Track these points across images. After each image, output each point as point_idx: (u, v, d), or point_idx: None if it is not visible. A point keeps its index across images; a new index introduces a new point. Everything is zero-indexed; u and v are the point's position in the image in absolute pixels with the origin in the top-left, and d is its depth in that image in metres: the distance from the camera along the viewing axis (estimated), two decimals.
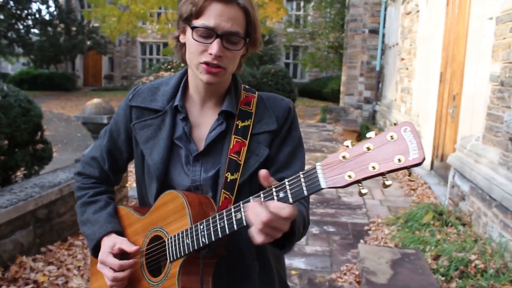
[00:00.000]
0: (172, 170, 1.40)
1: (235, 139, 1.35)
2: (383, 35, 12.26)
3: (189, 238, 1.25)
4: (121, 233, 1.46)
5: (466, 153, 4.87)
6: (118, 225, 1.47)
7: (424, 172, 7.05)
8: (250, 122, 1.37)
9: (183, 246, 1.26)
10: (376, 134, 0.96)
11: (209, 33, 1.24)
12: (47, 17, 24.92)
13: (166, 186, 1.40)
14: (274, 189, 1.08)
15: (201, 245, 1.22)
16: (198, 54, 1.27)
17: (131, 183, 5.86)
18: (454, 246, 3.72)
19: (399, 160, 0.91)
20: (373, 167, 0.93)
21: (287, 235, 1.17)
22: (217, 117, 1.38)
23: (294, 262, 4.04)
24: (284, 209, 1.04)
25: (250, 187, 1.35)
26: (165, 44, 25.61)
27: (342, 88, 14.34)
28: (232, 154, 1.33)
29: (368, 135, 0.98)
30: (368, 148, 0.95)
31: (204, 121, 1.41)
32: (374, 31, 12.64)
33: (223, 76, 1.31)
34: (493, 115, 4.25)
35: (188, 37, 1.29)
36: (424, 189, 6.33)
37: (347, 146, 1.00)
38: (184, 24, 1.31)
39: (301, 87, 23.89)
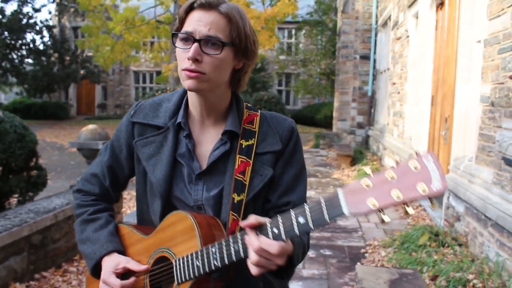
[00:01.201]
0: (175, 188, 1.38)
1: (240, 159, 1.34)
2: (374, 61, 12.45)
3: (200, 261, 1.22)
4: (122, 252, 1.43)
5: (459, 174, 4.91)
6: (119, 244, 1.44)
7: None
8: (254, 141, 1.36)
9: (193, 268, 1.23)
10: (396, 163, 0.97)
11: (188, 38, 1.26)
12: (41, 47, 25.11)
13: (169, 204, 1.38)
14: (293, 213, 1.07)
15: (213, 268, 1.20)
16: (181, 61, 1.28)
17: (125, 209, 5.83)
18: (451, 266, 3.71)
19: (423, 190, 0.92)
20: (397, 196, 0.94)
21: (284, 267, 1.17)
22: (221, 136, 1.37)
23: (291, 286, 3.99)
24: (273, 246, 1.06)
25: (253, 207, 1.34)
26: (158, 72, 25.79)
27: (334, 114, 14.47)
28: (237, 174, 1.32)
29: (389, 163, 0.99)
30: (392, 177, 0.96)
31: (205, 139, 1.40)
32: (365, 57, 12.83)
33: (204, 82, 1.28)
34: (485, 135, 4.31)
35: (175, 47, 1.32)
36: (419, 211, 6.34)
37: (369, 174, 1.00)
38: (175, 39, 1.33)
39: (294, 113, 24.06)
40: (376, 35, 12.35)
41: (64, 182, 8.73)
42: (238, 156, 1.34)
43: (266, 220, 1.11)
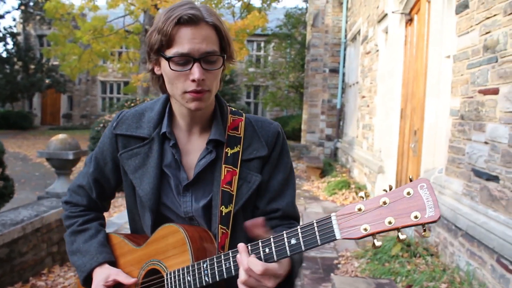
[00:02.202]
0: (164, 199, 1.36)
1: (226, 169, 1.31)
2: (343, 74, 12.64)
3: (191, 276, 1.21)
4: (113, 263, 1.40)
5: None
6: (110, 254, 1.41)
7: None
8: (239, 148, 1.34)
9: (184, 283, 1.22)
10: (390, 187, 0.98)
11: (185, 60, 1.20)
12: (4, 55, 24.43)
13: (160, 216, 1.36)
14: (285, 235, 1.06)
15: (204, 284, 1.19)
16: (181, 83, 1.23)
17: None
18: (424, 276, 3.77)
19: (416, 217, 0.93)
20: (389, 222, 0.95)
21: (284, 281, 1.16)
22: (206, 145, 1.34)
23: None
24: (256, 266, 1.05)
25: (243, 216, 1.32)
26: (126, 83, 25.49)
27: (303, 126, 14.59)
28: (224, 186, 1.30)
29: (384, 188, 0.99)
30: (384, 202, 0.96)
31: (192, 148, 1.37)
32: (334, 70, 13.02)
33: (209, 99, 1.28)
34: (455, 147, 4.42)
35: (165, 68, 1.24)
36: None
37: (362, 198, 1.01)
38: (157, 56, 1.26)
39: None
40: (345, 49, 12.56)
41: (28, 194, 8.47)
42: (224, 166, 1.32)
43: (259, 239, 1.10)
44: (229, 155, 1.33)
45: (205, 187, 1.34)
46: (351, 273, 4.49)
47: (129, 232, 1.52)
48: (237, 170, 1.32)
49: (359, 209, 0.98)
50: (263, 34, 23.76)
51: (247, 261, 1.07)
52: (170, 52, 1.21)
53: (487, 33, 3.84)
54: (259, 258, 1.08)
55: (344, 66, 12.62)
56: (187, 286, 1.21)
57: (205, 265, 1.18)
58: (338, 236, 0.99)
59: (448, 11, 5.00)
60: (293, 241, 1.05)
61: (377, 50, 8.19)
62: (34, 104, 27.90)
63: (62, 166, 4.80)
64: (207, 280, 1.17)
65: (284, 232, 1.07)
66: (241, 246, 1.11)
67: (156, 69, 1.30)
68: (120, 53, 23.47)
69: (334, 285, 3.24)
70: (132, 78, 15.69)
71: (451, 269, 4.05)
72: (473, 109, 4.04)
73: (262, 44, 27.61)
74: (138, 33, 17.68)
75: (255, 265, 1.05)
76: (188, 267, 1.21)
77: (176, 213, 1.36)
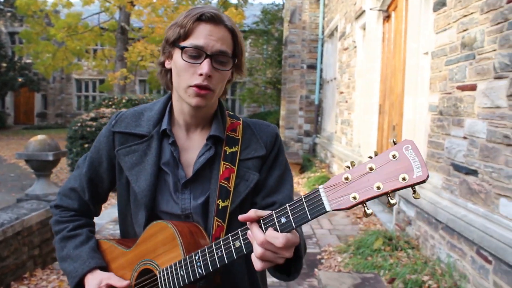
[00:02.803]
0: (159, 197, 1.35)
1: (224, 165, 1.33)
2: (321, 70, 12.73)
3: (183, 270, 1.20)
4: (105, 268, 1.39)
5: None
6: (101, 260, 1.40)
7: None
8: (237, 148, 1.36)
9: (177, 278, 1.22)
10: (375, 153, 0.95)
11: (198, 53, 1.24)
12: None
13: (154, 214, 1.35)
14: (274, 215, 1.04)
15: (198, 277, 1.18)
16: (188, 76, 1.25)
17: None
18: (407, 269, 3.84)
19: (404, 179, 0.90)
20: (378, 187, 0.92)
21: (292, 260, 1.14)
22: (205, 142, 1.36)
23: None
24: (277, 239, 1.01)
25: (241, 213, 1.33)
26: (102, 81, 25.14)
27: (281, 122, 14.64)
28: (222, 181, 1.32)
29: (369, 154, 0.96)
30: (371, 168, 0.93)
31: (191, 146, 1.38)
32: (312, 67, 13.09)
33: (211, 99, 1.29)
34: (434, 142, 4.51)
35: (176, 60, 1.27)
36: (370, 216, 6.51)
37: (348, 167, 0.98)
38: (171, 48, 1.29)
39: None
40: (322, 45, 12.64)
41: (4, 195, 8.30)
42: (222, 162, 1.34)
43: (266, 212, 1.07)
44: (227, 153, 1.35)
45: (203, 184, 1.35)
46: (334, 268, 4.55)
47: (111, 232, 1.51)
48: (235, 168, 1.34)
49: (346, 178, 0.96)
50: (240, 31, 23.68)
51: (264, 235, 1.03)
52: (185, 43, 1.24)
53: (464, 30, 3.92)
54: (274, 229, 1.04)
55: (321, 62, 12.71)
56: (180, 281, 1.21)
57: (197, 257, 1.17)
58: (328, 208, 0.97)
59: (425, 8, 5.08)
60: (283, 219, 1.03)
61: (355, 47, 8.27)
62: (6, 103, 27.27)
63: (42, 168, 4.72)
64: (200, 272, 1.16)
65: (273, 212, 1.05)
66: (248, 219, 1.06)
67: (167, 63, 1.33)
68: (95, 51, 23.11)
69: (320, 281, 3.28)
70: (109, 76, 15.50)
71: (432, 261, 4.14)
72: (451, 104, 4.12)
73: None
74: (114, 30, 17.44)
75: (276, 238, 1.01)
76: (180, 262, 1.21)
77: (171, 212, 1.35)
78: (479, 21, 3.68)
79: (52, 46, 18.10)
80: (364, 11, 7.56)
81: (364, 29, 7.71)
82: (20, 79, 24.23)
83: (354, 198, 0.94)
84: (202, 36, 1.24)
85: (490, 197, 3.44)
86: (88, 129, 8.81)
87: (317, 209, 0.98)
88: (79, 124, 9.00)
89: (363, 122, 7.66)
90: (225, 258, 1.13)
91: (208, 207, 1.33)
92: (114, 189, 1.49)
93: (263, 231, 1.05)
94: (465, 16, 3.90)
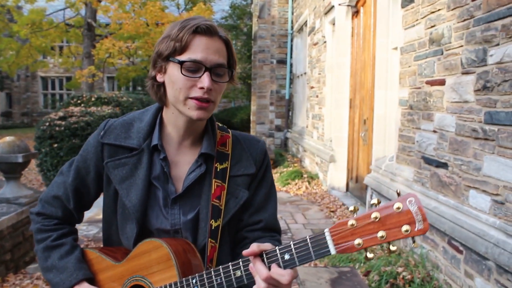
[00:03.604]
0: (149, 212, 1.35)
1: (216, 183, 1.34)
2: (291, 65, 12.80)
3: None
4: (92, 279, 1.37)
5: (381, 173, 5.21)
6: (88, 271, 1.38)
7: (340, 194, 7.39)
8: (227, 164, 1.37)
9: None
10: (378, 202, 1.03)
11: (197, 67, 1.23)
12: None
13: (144, 228, 1.35)
14: (278, 251, 1.09)
15: None
16: (186, 89, 1.24)
17: None
18: (382, 262, 3.93)
19: (406, 231, 0.99)
20: (382, 236, 1.01)
21: None
22: (196, 158, 1.36)
23: None
24: (284, 276, 1.06)
25: (228, 230, 1.36)
26: (69, 78, 24.62)
27: (252, 117, 14.66)
28: (214, 200, 1.33)
29: (372, 202, 1.04)
30: (376, 218, 1.02)
31: (181, 160, 1.38)
32: (282, 61, 13.14)
33: (212, 110, 1.29)
34: (405, 136, 4.61)
35: (173, 73, 1.25)
36: (343, 210, 6.62)
37: (352, 212, 1.06)
38: (164, 62, 1.27)
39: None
40: (292, 40, 12.71)
41: None
42: (214, 180, 1.34)
43: (269, 246, 1.11)
44: (218, 170, 1.36)
45: (193, 201, 1.36)
46: (310, 262, 4.60)
47: (84, 233, 1.49)
48: (225, 185, 1.35)
49: (352, 225, 1.03)
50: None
51: (268, 271, 1.08)
52: (183, 57, 1.23)
53: (432, 26, 4.02)
54: (278, 266, 1.09)
55: (291, 57, 12.78)
56: None
57: (194, 281, 1.20)
58: (332, 251, 1.05)
59: (394, 4, 5.18)
60: (286, 256, 1.08)
61: (325, 42, 8.35)
62: None
63: (11, 170, 4.59)
64: None
65: (277, 248, 1.10)
66: (252, 253, 1.10)
67: (158, 76, 1.31)
68: (61, 48, 22.60)
69: (298, 277, 3.32)
70: (76, 74, 15.20)
71: (406, 253, 4.24)
72: (421, 99, 4.22)
73: None
74: (80, 26, 17.11)
75: (282, 276, 1.07)
76: (176, 283, 1.22)
77: (160, 227, 1.35)
78: (446, 17, 3.77)
79: (16, 43, 17.62)
80: (333, 7, 7.63)
81: (334, 24, 7.78)
82: None
83: (359, 244, 1.02)
84: (200, 49, 1.23)
85: (460, 189, 3.55)
86: (57, 128, 8.63)
87: (322, 251, 1.05)
88: (47, 124, 8.80)
89: (334, 116, 7.75)
90: (225, 286, 1.16)
91: (198, 223, 1.34)
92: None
93: (266, 266, 1.09)
94: (433, 12, 4.00)
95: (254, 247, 1.10)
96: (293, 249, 1.07)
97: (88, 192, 1.43)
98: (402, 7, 4.70)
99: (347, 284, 3.09)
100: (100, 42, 14.91)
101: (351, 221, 1.04)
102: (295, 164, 10.34)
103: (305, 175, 8.99)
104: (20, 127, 24.89)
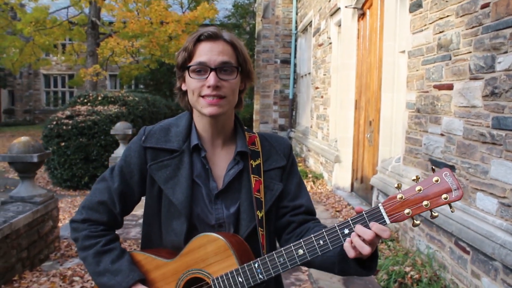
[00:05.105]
0: (195, 208, 1.45)
1: (254, 178, 1.47)
2: (295, 65, 12.88)
3: (242, 277, 1.33)
4: (144, 280, 1.44)
5: (388, 174, 5.30)
6: (140, 272, 1.45)
7: (345, 194, 7.49)
8: (260, 160, 1.50)
9: (236, 284, 1.34)
10: (417, 178, 1.21)
11: (203, 68, 1.38)
12: None
13: (190, 224, 1.44)
14: (337, 227, 1.26)
15: (258, 282, 1.32)
16: (197, 90, 1.39)
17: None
18: (390, 261, 4.03)
19: (445, 198, 1.18)
20: (426, 204, 1.19)
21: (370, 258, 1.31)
22: (234, 156, 1.49)
23: None
24: (386, 232, 1.22)
25: (268, 220, 1.48)
26: (71, 76, 24.69)
27: (256, 117, 14.74)
28: (255, 193, 1.45)
29: (412, 178, 1.23)
30: (419, 190, 1.21)
31: (218, 160, 1.50)
32: (285, 61, 13.23)
33: (225, 106, 1.41)
34: (412, 138, 4.71)
35: (188, 79, 1.41)
36: (348, 210, 6.72)
37: (397, 187, 1.26)
38: (182, 72, 1.44)
39: None
40: (296, 40, 12.79)
41: None
42: (252, 176, 1.47)
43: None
44: (254, 166, 1.49)
45: (234, 195, 1.48)
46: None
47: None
48: (262, 180, 1.48)
49: (401, 198, 1.21)
50: (211, 25, 23.54)
51: (372, 231, 1.21)
52: (190, 63, 1.40)
53: (440, 32, 4.11)
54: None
55: (295, 57, 12.86)
56: (239, 286, 1.34)
57: (256, 265, 1.32)
58: (387, 221, 1.22)
59: (401, 8, 5.27)
60: (346, 231, 1.25)
61: (330, 43, 8.43)
62: None
63: (26, 170, 4.69)
64: (261, 277, 1.32)
65: (336, 224, 1.26)
66: (359, 210, 1.27)
67: (183, 86, 1.47)
68: (64, 46, 22.66)
69: (311, 275, 3.42)
70: (81, 72, 15.26)
71: (412, 252, 4.35)
72: (429, 103, 4.32)
73: None
74: (83, 24, 17.16)
75: (384, 231, 1.21)
76: (237, 270, 1.33)
77: (205, 221, 1.46)
78: (454, 24, 3.86)
79: (20, 41, 17.67)
80: (339, 8, 7.71)
81: (339, 26, 7.87)
82: None
83: (408, 213, 1.21)
84: (204, 53, 1.38)
85: (468, 192, 3.64)
86: (64, 127, 8.74)
87: (379, 222, 1.23)
88: (54, 123, 8.90)
89: (339, 117, 7.84)
90: (289, 265, 1.30)
91: (240, 216, 1.46)
92: None
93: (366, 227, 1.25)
94: (441, 18, 4.09)
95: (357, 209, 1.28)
96: (351, 224, 1.24)
97: (133, 195, 1.52)
98: (410, 11, 4.78)
99: (359, 283, 3.19)
100: (104, 41, 14.99)
101: (399, 195, 1.22)
102: (299, 164, 10.43)
103: (309, 175, 9.08)
104: (22, 124, 24.98)
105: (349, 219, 1.25)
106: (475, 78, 3.54)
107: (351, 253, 1.23)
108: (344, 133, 7.67)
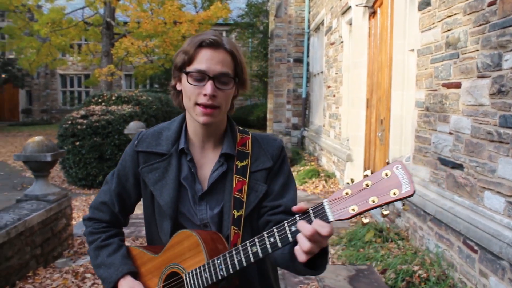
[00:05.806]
0: (182, 208, 1.52)
1: (237, 179, 1.50)
2: (308, 64, 12.87)
3: (207, 272, 1.37)
4: (135, 272, 1.56)
5: None
6: (132, 266, 1.56)
7: None
8: (248, 162, 1.53)
9: (201, 279, 1.39)
10: (372, 172, 1.13)
11: (202, 76, 1.40)
12: None
13: (178, 224, 1.52)
14: (286, 224, 1.22)
15: (219, 278, 1.35)
16: (194, 96, 1.42)
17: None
18: (398, 260, 4.03)
19: (394, 194, 1.08)
20: (373, 201, 1.10)
21: (319, 256, 1.28)
22: (218, 158, 1.53)
23: None
24: (325, 228, 1.14)
25: (250, 221, 1.51)
26: (87, 76, 25.00)
27: (269, 116, 14.76)
28: (236, 193, 1.49)
29: (365, 173, 1.14)
30: (367, 185, 1.11)
31: (206, 162, 1.55)
32: (298, 60, 13.23)
33: (218, 115, 1.45)
34: (421, 137, 4.70)
35: (184, 83, 1.44)
36: None
37: (348, 183, 1.17)
38: (179, 73, 1.47)
39: None
40: (308, 39, 12.78)
41: None
42: (235, 176, 1.50)
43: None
44: (239, 167, 1.52)
45: (218, 196, 1.52)
46: (328, 260, 4.72)
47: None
48: (246, 180, 1.51)
49: (346, 193, 1.13)
50: (225, 24, 23.76)
51: (311, 227, 1.15)
52: (189, 68, 1.42)
53: (448, 30, 4.09)
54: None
55: (308, 56, 12.85)
56: (204, 282, 1.38)
57: (218, 261, 1.35)
58: (331, 218, 1.14)
59: (410, 6, 5.25)
60: (293, 228, 1.20)
61: (342, 42, 8.42)
62: None
63: (40, 168, 4.79)
64: (222, 273, 1.34)
65: (285, 222, 1.22)
66: (299, 208, 1.20)
67: (177, 85, 1.51)
68: (79, 46, 22.95)
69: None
70: (96, 72, 15.45)
71: (421, 251, 4.34)
72: (437, 101, 4.30)
73: (224, 34, 27.54)
74: (98, 25, 17.37)
75: (323, 227, 1.13)
76: (204, 265, 1.38)
77: (192, 221, 1.52)
78: (462, 22, 3.85)
79: (37, 41, 17.98)
80: (350, 7, 7.70)
81: (351, 24, 7.86)
82: (3, 75, 23.97)
83: (353, 210, 1.12)
84: (204, 60, 1.41)
85: (475, 190, 3.63)
86: (79, 126, 8.86)
87: (323, 220, 1.16)
88: (69, 122, 9.03)
89: (351, 116, 7.83)
90: (244, 262, 1.31)
91: (223, 216, 1.50)
92: None
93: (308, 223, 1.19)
94: (449, 16, 4.07)
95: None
96: (298, 221, 1.19)
97: (129, 197, 1.63)
98: (419, 10, 4.77)
99: (365, 282, 3.21)
100: (119, 41, 15.16)
101: (345, 190, 1.14)
102: (312, 163, 10.44)
103: (322, 174, 9.09)
104: (39, 124, 25.36)
105: (296, 216, 1.20)
106: (482, 76, 3.53)
107: (297, 251, 1.19)
108: (356, 132, 7.66)
